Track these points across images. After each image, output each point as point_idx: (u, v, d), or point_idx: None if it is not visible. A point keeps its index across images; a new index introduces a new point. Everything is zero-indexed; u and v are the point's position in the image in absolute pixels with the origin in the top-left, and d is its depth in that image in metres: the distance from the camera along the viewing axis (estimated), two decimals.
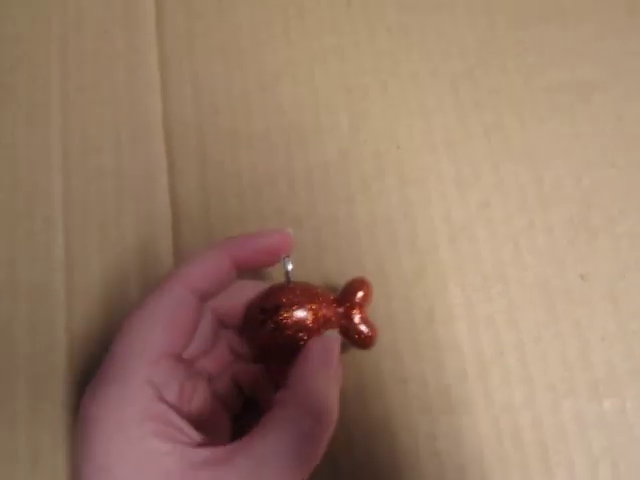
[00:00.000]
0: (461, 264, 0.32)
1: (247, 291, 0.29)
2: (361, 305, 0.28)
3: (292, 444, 0.23)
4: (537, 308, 0.32)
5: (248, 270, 0.29)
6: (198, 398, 0.27)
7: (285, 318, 0.27)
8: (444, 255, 0.33)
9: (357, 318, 0.28)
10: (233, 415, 0.29)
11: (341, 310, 0.28)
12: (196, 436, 0.24)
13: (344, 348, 0.29)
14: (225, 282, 0.28)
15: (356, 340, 0.28)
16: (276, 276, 0.31)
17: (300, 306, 0.27)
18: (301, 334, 0.27)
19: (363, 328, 0.28)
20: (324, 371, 0.26)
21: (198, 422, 0.26)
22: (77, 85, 0.37)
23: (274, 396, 0.25)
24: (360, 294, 0.28)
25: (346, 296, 0.29)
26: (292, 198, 0.34)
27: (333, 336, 0.28)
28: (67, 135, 0.36)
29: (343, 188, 0.34)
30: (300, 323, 0.27)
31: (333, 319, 0.28)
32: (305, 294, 0.28)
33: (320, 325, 0.27)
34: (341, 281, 0.29)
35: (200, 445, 0.24)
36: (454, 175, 0.34)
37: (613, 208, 0.33)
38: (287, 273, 0.28)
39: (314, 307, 0.27)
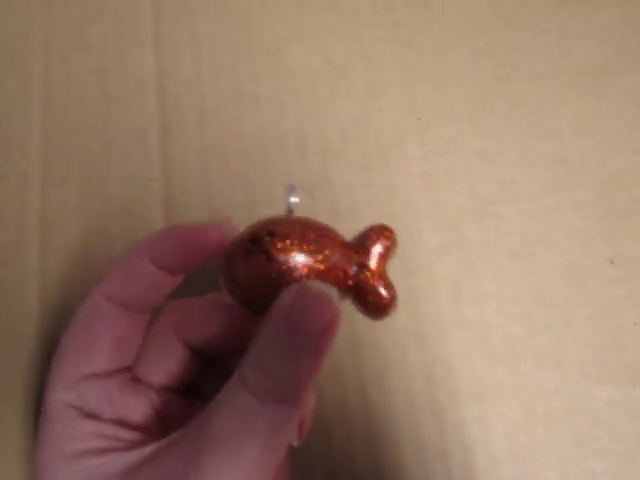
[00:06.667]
0: (487, 241, 0.30)
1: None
2: (381, 259, 0.22)
3: (238, 428, 0.18)
4: (567, 289, 0.29)
5: (184, 272, 0.24)
6: (144, 405, 0.24)
7: (279, 250, 0.20)
8: (469, 230, 0.30)
9: (374, 274, 0.21)
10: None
11: (354, 261, 0.21)
12: (139, 438, 0.22)
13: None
14: (155, 287, 0.23)
15: (369, 304, 0.21)
16: None
17: (299, 242, 0.20)
18: (295, 277, 0.20)
19: (381, 289, 0.21)
20: (288, 338, 0.19)
21: (154, 425, 0.23)
22: (60, 32, 0.34)
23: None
24: (380, 244, 0.22)
25: (362, 245, 0.22)
26: (304, 162, 0.31)
27: (316, 288, 0.19)
28: (49, 84, 0.33)
29: (360, 155, 0.31)
30: (296, 265, 0.20)
31: (341, 272, 0.21)
32: (307, 230, 0.21)
33: (323, 275, 0.20)
34: None
35: (141, 445, 0.21)
36: (478, 149, 0.32)
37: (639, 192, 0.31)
38: (289, 205, 0.22)
39: (319, 248, 0.20)
